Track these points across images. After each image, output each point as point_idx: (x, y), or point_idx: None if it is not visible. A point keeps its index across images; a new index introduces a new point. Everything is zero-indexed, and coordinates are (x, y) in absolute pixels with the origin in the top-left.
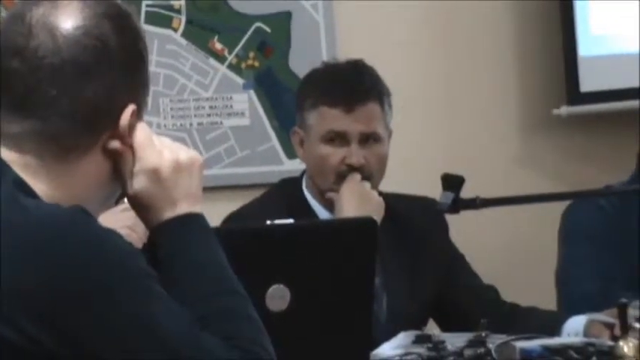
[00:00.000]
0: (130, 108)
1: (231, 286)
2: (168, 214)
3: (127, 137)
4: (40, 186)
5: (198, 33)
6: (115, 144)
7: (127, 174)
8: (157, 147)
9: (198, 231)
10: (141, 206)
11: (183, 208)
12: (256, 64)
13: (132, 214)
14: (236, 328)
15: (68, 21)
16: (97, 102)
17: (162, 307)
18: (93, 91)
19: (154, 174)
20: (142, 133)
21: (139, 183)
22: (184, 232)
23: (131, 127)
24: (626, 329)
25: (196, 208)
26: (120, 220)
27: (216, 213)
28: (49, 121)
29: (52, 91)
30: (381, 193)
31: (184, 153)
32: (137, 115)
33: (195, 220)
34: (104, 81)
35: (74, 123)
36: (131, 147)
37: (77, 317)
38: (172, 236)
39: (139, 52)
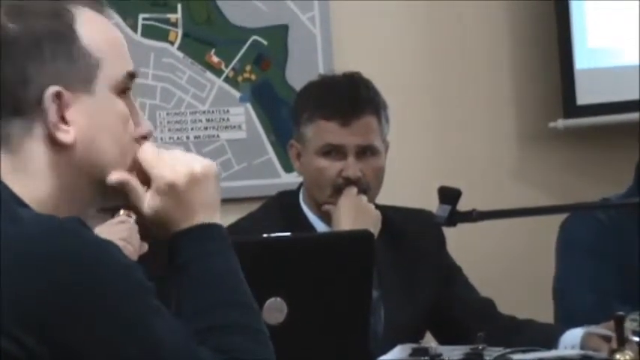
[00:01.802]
0: (51, 90)
1: (243, 298)
2: (186, 225)
3: (57, 122)
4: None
5: (195, 46)
6: (62, 136)
7: (138, 196)
8: (168, 162)
9: (213, 241)
10: (159, 223)
11: (200, 219)
12: (253, 77)
13: (127, 226)
14: (241, 341)
15: None
16: (9, 91)
17: (159, 319)
18: (3, 82)
19: (171, 190)
20: (148, 152)
21: (156, 201)
22: (200, 241)
23: (65, 108)
24: (622, 342)
25: (214, 218)
26: (115, 232)
27: None
28: None
29: None
30: (377, 206)
31: (198, 164)
32: (81, 93)
33: (211, 230)
34: (12, 70)
35: None
36: (139, 168)
37: (74, 328)
38: (187, 246)
39: (44, 36)
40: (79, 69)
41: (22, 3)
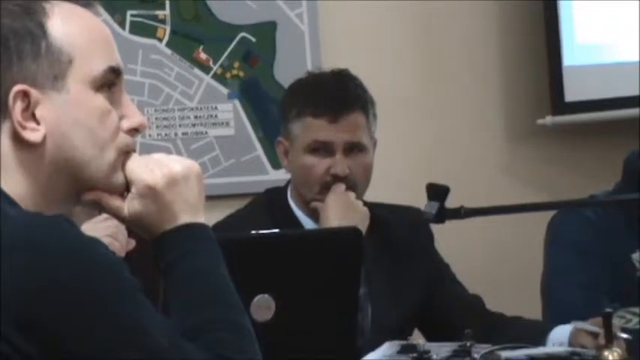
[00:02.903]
0: (15, 89)
1: (227, 296)
2: (168, 226)
3: (22, 121)
4: None
5: (183, 43)
6: (29, 135)
7: (113, 209)
8: (147, 166)
9: (196, 241)
10: (142, 226)
11: (182, 219)
12: (241, 74)
13: (113, 223)
14: (227, 338)
15: None
16: None
17: (146, 316)
18: None
19: (150, 192)
20: (130, 161)
21: (136, 205)
22: (182, 242)
23: (34, 106)
24: (610, 339)
25: (197, 218)
26: (102, 229)
27: None
28: None
29: None
30: (365, 203)
31: (178, 165)
32: (51, 90)
33: (193, 229)
34: None
35: None
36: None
37: (63, 325)
38: (170, 247)
39: (9, 35)
40: (48, 66)
41: None
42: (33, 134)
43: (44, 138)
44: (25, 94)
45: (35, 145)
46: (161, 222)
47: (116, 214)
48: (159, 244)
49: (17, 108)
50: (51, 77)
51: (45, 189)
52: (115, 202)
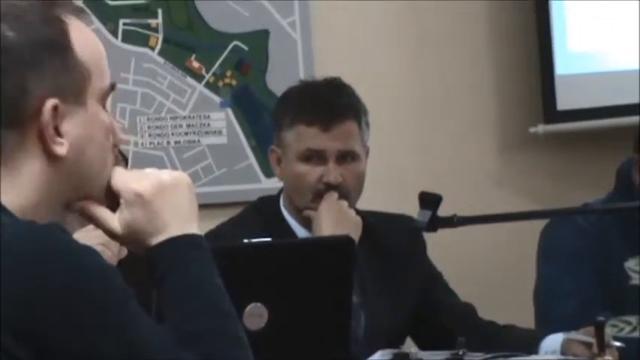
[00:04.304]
0: (50, 102)
1: (221, 305)
2: (160, 237)
3: (53, 135)
4: None
5: (176, 51)
6: (57, 149)
7: (101, 220)
8: (135, 176)
9: (188, 251)
10: (133, 237)
11: (173, 230)
12: (234, 82)
13: None
14: (221, 347)
15: None
16: (8, 101)
17: (140, 322)
18: (3, 92)
19: (139, 200)
20: (115, 171)
21: (126, 215)
22: (174, 253)
23: (60, 120)
24: (603, 348)
25: (189, 228)
26: (94, 237)
27: None
28: None
29: None
30: (358, 212)
31: (167, 174)
32: (74, 104)
33: (185, 240)
34: (12, 80)
35: None
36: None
37: (58, 332)
38: (161, 258)
39: (43, 45)
40: (74, 80)
41: (18, 10)
42: (60, 148)
43: (67, 152)
44: (54, 108)
45: (60, 159)
46: (152, 231)
47: (103, 227)
48: (152, 255)
49: (50, 121)
50: (75, 91)
51: (53, 201)
52: (103, 213)
